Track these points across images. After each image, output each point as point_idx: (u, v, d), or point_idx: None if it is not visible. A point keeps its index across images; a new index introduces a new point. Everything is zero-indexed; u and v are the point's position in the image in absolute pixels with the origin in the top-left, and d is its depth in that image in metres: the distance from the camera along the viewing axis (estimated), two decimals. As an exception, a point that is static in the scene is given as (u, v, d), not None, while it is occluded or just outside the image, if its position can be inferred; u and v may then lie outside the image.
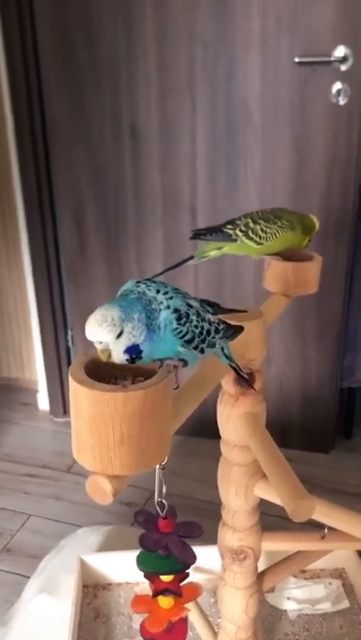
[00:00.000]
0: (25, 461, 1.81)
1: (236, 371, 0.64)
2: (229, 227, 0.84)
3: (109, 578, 1.17)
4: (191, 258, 0.90)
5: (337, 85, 1.44)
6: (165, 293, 0.49)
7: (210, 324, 0.53)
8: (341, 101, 1.45)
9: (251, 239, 0.83)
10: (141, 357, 0.48)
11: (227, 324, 0.57)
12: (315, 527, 0.80)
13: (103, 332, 0.45)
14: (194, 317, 0.50)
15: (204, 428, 1.24)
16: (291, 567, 0.89)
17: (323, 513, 0.74)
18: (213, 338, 0.53)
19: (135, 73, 1.57)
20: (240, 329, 0.59)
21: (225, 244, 0.84)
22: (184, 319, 0.49)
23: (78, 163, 1.71)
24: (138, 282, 0.50)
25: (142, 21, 1.52)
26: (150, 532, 0.58)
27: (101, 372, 0.49)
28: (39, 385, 2.12)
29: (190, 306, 0.50)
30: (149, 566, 0.58)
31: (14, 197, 1.90)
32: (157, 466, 0.57)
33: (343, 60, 1.42)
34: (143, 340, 0.47)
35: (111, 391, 0.44)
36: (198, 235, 0.85)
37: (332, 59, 1.42)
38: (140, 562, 0.59)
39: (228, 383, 0.76)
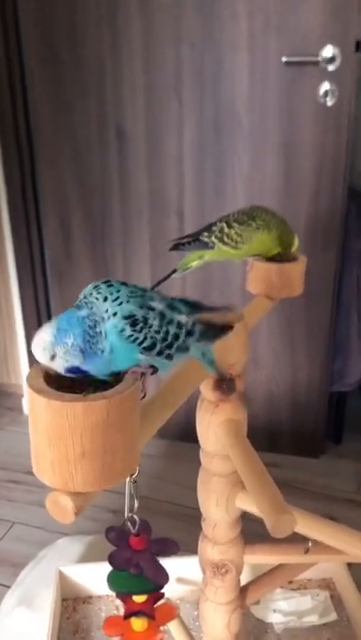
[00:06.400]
0: (9, 467, 1.77)
1: (218, 380, 0.60)
2: (206, 234, 0.81)
3: (90, 590, 1.13)
4: (175, 271, 0.87)
5: (325, 86, 1.42)
6: (115, 300, 0.47)
7: (179, 326, 0.49)
8: (329, 102, 1.43)
9: (227, 244, 0.80)
10: (91, 375, 0.46)
11: (206, 324, 0.52)
12: (301, 535, 0.77)
13: (38, 354, 0.46)
14: (155, 322, 0.47)
15: (191, 433, 1.21)
16: (275, 580, 0.86)
17: (305, 526, 0.71)
18: (184, 342, 0.50)
19: (121, 72, 1.54)
20: (225, 329, 0.54)
21: (204, 252, 0.82)
22: (140, 325, 0.46)
23: (63, 163, 1.68)
24: (96, 285, 0.49)
25: (128, 19, 1.49)
26: (121, 549, 0.55)
27: (65, 380, 0.46)
28: (24, 389, 2.08)
29: (151, 309, 0.47)
30: (120, 586, 0.55)
31: (-2, 199, 1.86)
32: (128, 478, 0.54)
33: (331, 60, 1.39)
34: (82, 362, 0.45)
35: (70, 401, 0.41)
36: (177, 246, 0.82)
37: (320, 59, 1.39)
38: (111, 581, 0.55)
39: (207, 389, 0.73)
